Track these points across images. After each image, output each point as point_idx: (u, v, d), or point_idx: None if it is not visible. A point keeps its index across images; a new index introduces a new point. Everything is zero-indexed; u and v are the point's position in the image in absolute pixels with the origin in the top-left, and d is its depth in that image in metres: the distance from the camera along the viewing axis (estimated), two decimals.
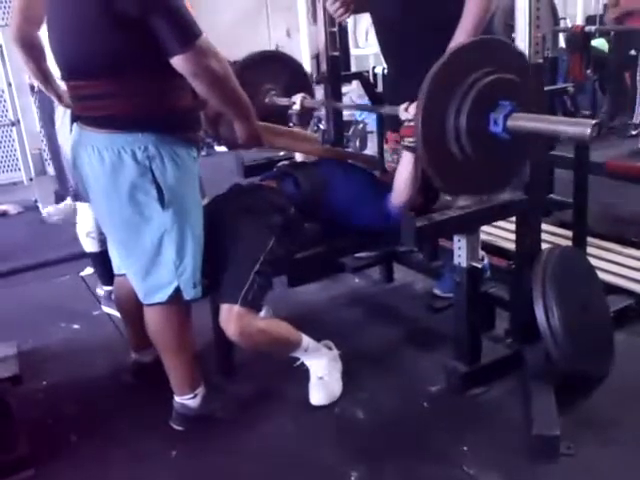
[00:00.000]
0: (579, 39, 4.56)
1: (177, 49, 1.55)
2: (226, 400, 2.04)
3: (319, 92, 2.90)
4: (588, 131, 1.48)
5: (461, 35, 2.05)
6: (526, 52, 1.85)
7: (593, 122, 1.48)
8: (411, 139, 1.90)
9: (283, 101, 2.57)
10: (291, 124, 2.51)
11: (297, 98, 2.49)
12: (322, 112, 2.94)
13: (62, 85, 2.03)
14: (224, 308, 1.86)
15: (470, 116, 1.62)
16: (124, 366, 2.23)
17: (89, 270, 3.21)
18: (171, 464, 1.84)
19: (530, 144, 1.83)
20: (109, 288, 2.61)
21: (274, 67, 2.68)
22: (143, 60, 1.61)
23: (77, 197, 2.67)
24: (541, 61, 1.91)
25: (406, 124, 1.92)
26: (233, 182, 2.28)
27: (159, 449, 1.88)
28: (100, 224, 2.02)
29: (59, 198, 4.12)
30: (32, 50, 2.07)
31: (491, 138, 1.65)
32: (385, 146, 2.65)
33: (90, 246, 2.68)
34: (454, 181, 1.76)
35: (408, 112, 1.91)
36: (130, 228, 1.75)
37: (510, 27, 2.21)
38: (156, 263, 1.77)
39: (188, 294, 1.82)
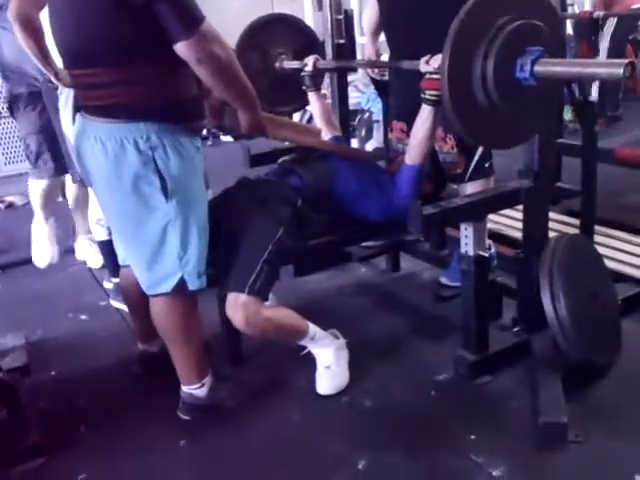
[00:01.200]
0: (587, 25, 4.51)
1: (180, 35, 1.53)
2: (233, 389, 2.04)
3: (324, 80, 2.88)
4: (621, 71, 1.42)
5: None
6: None
7: (626, 61, 1.43)
8: (432, 92, 1.89)
9: (294, 64, 2.55)
10: (304, 87, 2.49)
11: (310, 60, 2.48)
12: (328, 101, 2.91)
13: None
14: (231, 297, 1.86)
15: (497, 61, 1.58)
16: (132, 356, 2.23)
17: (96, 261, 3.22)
18: (179, 453, 1.84)
19: (556, 95, 1.78)
20: (117, 280, 2.61)
21: (283, 30, 2.63)
22: (146, 48, 1.60)
23: (84, 182, 2.67)
24: None
25: (427, 77, 1.91)
26: (239, 172, 2.27)
27: (167, 439, 1.89)
28: (104, 215, 2.02)
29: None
30: (31, 28, 2.08)
31: (518, 85, 1.61)
32: (390, 135, 2.64)
33: (99, 234, 2.68)
34: (479, 130, 1.73)
35: (429, 65, 1.90)
36: (134, 219, 1.74)
37: None
38: (160, 254, 1.77)
39: (193, 284, 1.81)
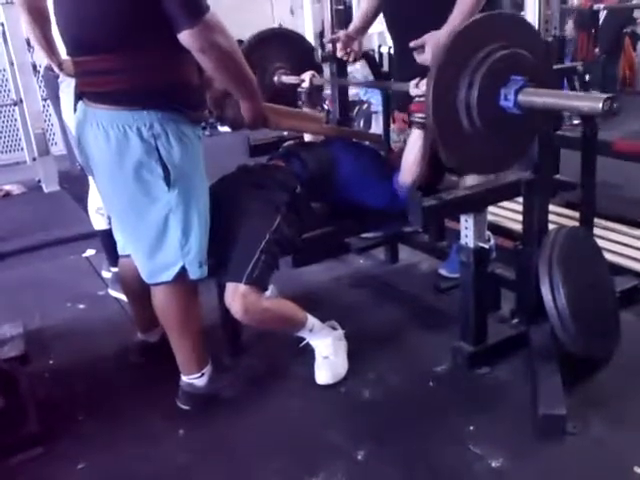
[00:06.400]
0: (587, 17, 4.51)
1: (184, 24, 1.53)
2: (233, 379, 2.05)
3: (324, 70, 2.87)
4: (599, 105, 1.46)
5: (457, 17, 2.02)
6: None
7: (605, 96, 1.47)
8: (421, 115, 1.89)
9: (292, 79, 2.54)
10: (300, 102, 2.48)
11: (306, 76, 2.47)
12: (327, 92, 2.91)
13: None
14: (229, 287, 1.86)
15: (481, 90, 1.60)
16: (130, 346, 2.23)
17: (91, 252, 3.22)
18: (178, 443, 1.84)
19: (540, 121, 1.80)
20: (116, 269, 2.61)
21: (282, 45, 2.63)
22: (150, 36, 1.59)
23: (84, 171, 2.66)
24: (551, 39, 1.89)
25: (416, 100, 1.90)
26: (236, 162, 2.27)
27: (166, 428, 1.89)
28: (104, 203, 2.01)
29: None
30: (38, 16, 2.06)
31: (502, 113, 1.63)
32: (392, 126, 2.63)
33: (99, 223, 2.67)
34: (463, 157, 1.74)
35: (419, 88, 1.90)
36: (135, 207, 1.74)
37: (519, 5, 2.18)
38: (161, 243, 1.76)
39: (194, 274, 1.81)
